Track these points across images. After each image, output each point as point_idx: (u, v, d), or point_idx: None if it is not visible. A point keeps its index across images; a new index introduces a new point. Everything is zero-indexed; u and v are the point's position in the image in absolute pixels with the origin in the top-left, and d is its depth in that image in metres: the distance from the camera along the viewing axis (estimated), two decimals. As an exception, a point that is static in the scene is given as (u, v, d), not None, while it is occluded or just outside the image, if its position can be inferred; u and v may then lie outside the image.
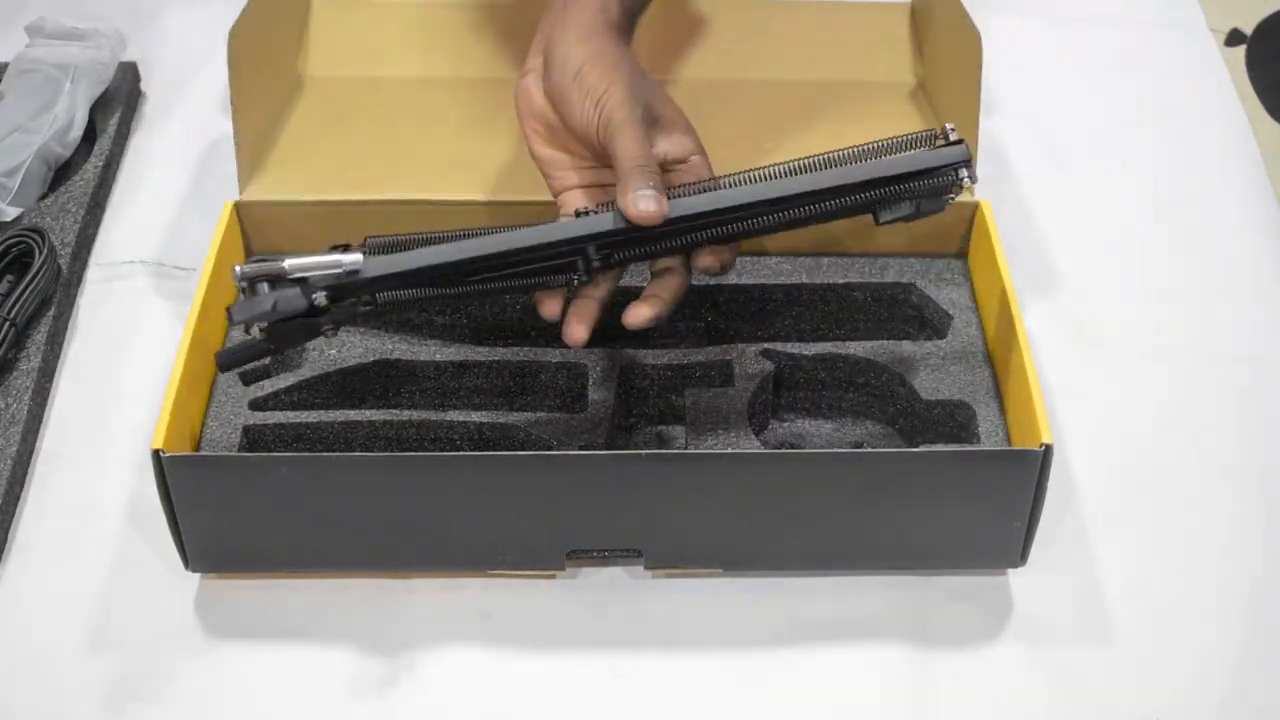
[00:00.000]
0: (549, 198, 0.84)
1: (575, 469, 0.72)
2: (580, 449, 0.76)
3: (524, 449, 0.77)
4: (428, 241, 0.71)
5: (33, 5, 1.07)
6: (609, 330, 0.84)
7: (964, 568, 0.77)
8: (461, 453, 0.77)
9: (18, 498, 0.80)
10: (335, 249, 0.69)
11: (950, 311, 0.83)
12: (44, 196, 0.94)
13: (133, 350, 0.88)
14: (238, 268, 0.68)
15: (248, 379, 0.79)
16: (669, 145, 0.74)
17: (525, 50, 0.95)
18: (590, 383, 0.79)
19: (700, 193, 0.71)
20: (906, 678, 0.73)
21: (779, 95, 0.94)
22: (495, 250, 0.70)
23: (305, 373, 0.81)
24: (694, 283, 0.83)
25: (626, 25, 0.78)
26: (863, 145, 0.71)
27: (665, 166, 0.74)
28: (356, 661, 0.74)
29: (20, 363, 0.84)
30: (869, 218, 0.84)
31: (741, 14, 0.98)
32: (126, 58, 1.03)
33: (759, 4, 0.99)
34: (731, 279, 0.84)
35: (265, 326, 0.68)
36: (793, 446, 0.80)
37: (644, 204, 0.69)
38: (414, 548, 0.75)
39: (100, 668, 0.73)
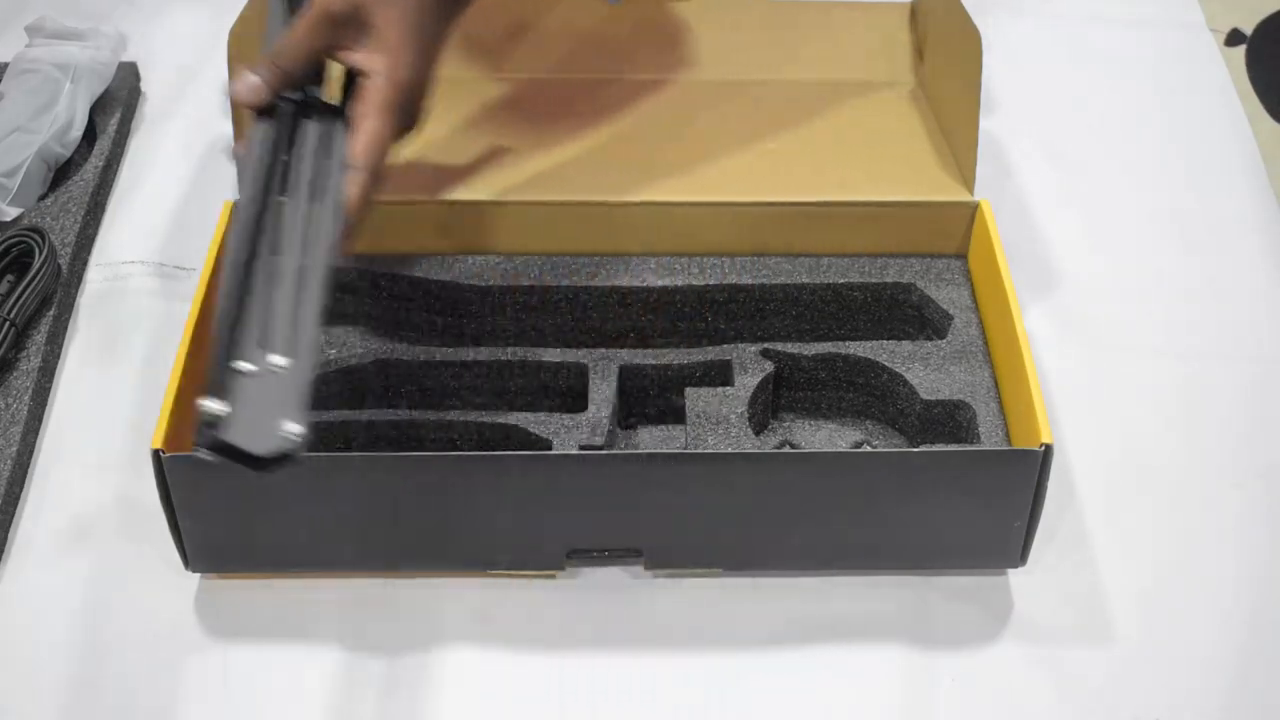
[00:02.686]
0: (548, 197, 0.84)
1: (575, 469, 0.72)
2: (580, 449, 0.76)
3: (524, 449, 0.77)
4: None
5: (33, 5, 1.07)
6: (609, 331, 0.85)
7: (964, 568, 0.77)
8: (461, 453, 0.77)
9: (18, 498, 0.80)
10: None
11: (950, 311, 0.83)
12: (44, 196, 0.94)
13: (133, 350, 0.88)
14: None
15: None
16: (358, 57, 0.73)
17: (524, 51, 0.95)
18: (590, 383, 0.79)
19: None
20: (906, 678, 0.73)
21: (779, 95, 0.94)
22: None
23: (305, 373, 0.80)
24: (695, 283, 0.83)
25: None
26: None
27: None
28: (356, 661, 0.74)
29: (20, 363, 0.84)
30: (869, 218, 0.85)
31: (741, 14, 0.98)
32: (126, 58, 1.03)
33: (759, 4, 0.99)
34: (731, 279, 0.84)
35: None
36: (793, 446, 0.80)
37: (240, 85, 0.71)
38: (414, 548, 0.75)
39: (100, 668, 0.73)
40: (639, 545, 0.75)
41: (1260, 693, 0.73)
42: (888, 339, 0.83)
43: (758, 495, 0.72)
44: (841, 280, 0.84)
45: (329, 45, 0.73)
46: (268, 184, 0.70)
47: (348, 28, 0.73)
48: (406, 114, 0.74)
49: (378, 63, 0.72)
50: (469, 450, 0.78)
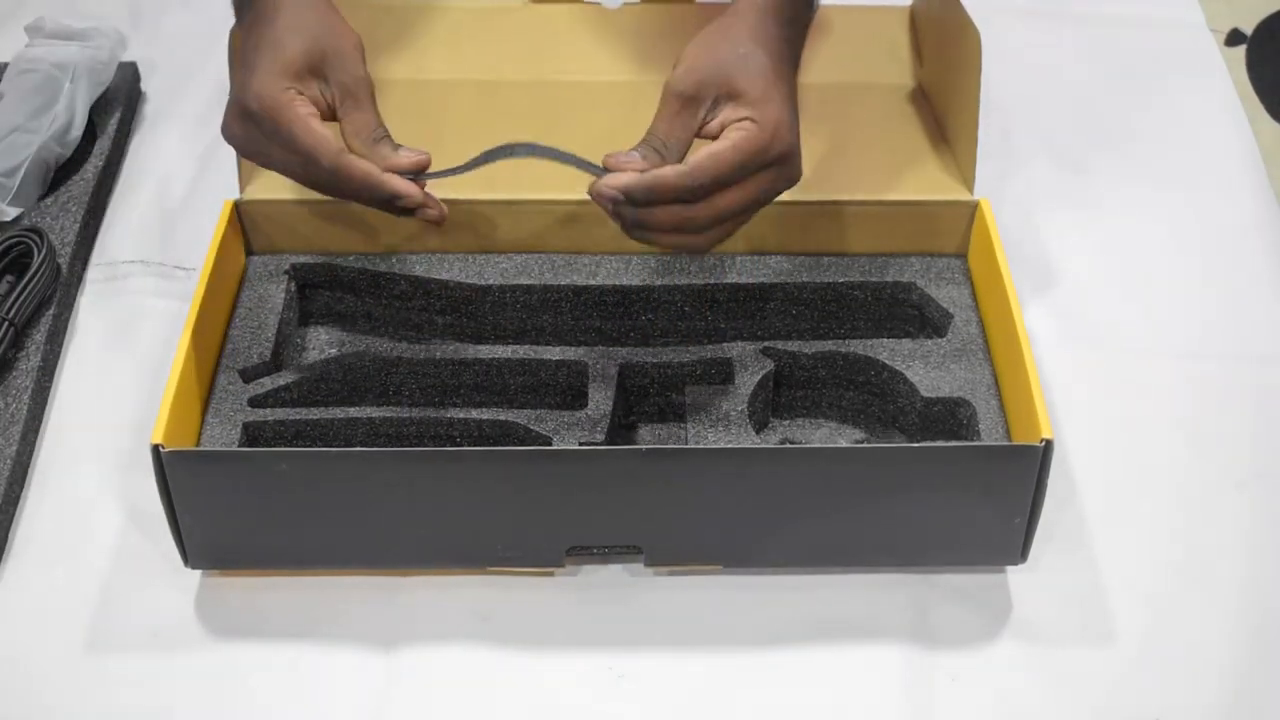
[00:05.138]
0: (547, 196, 0.84)
1: (575, 465, 0.72)
2: (580, 445, 0.76)
3: (524, 445, 0.77)
4: None
5: (33, 5, 1.07)
6: (610, 330, 0.85)
7: (964, 564, 0.77)
8: (461, 448, 0.77)
9: (18, 498, 0.80)
10: None
11: (950, 310, 0.83)
12: (44, 196, 0.94)
13: (133, 350, 0.88)
14: None
15: (248, 376, 0.79)
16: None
17: (524, 52, 0.95)
18: (590, 380, 0.79)
19: None
20: (906, 677, 0.73)
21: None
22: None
23: (305, 370, 0.81)
24: (695, 282, 0.83)
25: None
26: None
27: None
28: (356, 658, 0.74)
29: (20, 363, 0.84)
30: (869, 218, 0.85)
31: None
32: (126, 58, 1.03)
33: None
34: (731, 278, 0.84)
35: None
36: (793, 444, 0.80)
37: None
38: (413, 544, 0.75)
39: (100, 667, 0.73)
40: (639, 542, 0.75)
41: (1260, 693, 0.73)
42: (888, 338, 0.83)
43: (758, 491, 0.72)
44: (842, 279, 0.84)
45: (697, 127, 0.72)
46: None
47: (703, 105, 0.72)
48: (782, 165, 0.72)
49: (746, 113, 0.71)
50: (469, 447, 0.78)
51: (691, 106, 0.72)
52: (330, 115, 0.74)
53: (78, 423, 0.84)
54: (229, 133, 0.74)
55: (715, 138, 0.71)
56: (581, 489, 0.72)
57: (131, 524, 0.79)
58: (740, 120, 0.71)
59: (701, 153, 0.70)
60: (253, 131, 0.73)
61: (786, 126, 0.72)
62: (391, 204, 0.72)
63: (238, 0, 0.79)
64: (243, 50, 0.75)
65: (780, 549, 0.75)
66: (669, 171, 0.69)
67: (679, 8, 0.98)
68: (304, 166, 0.72)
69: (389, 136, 0.73)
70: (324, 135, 0.71)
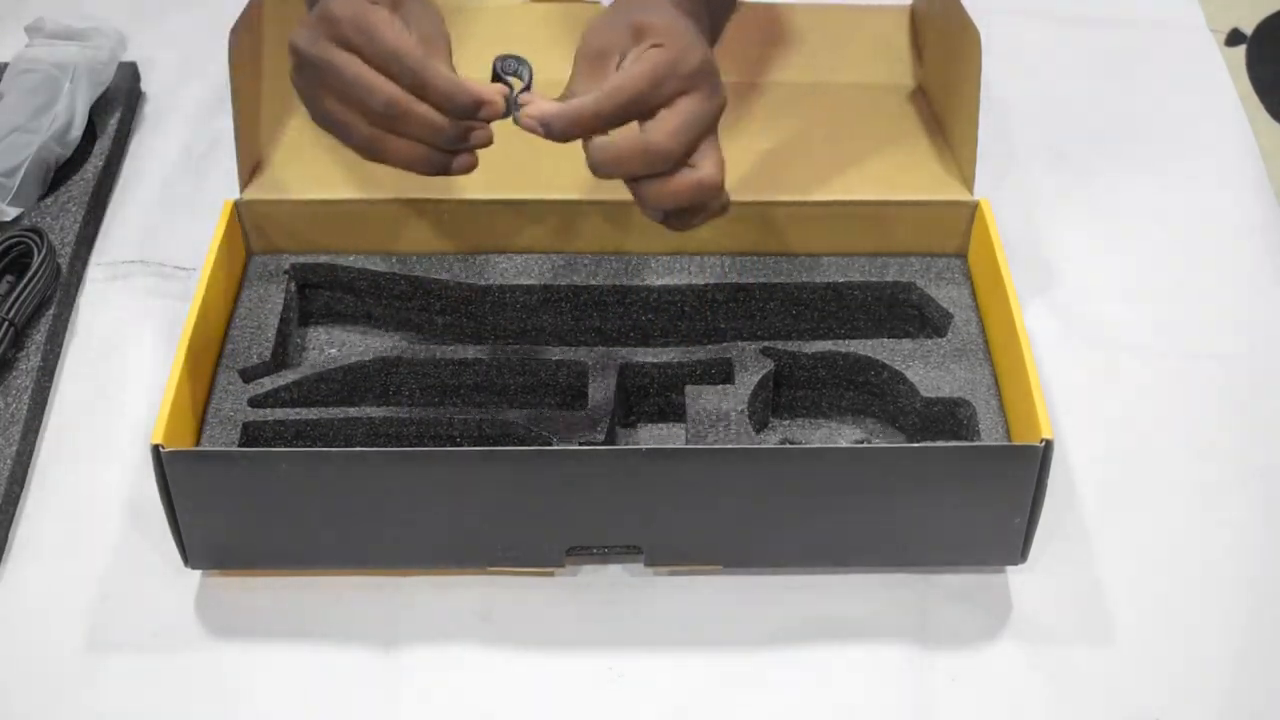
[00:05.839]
0: (547, 196, 0.84)
1: (575, 465, 0.72)
2: (579, 445, 0.76)
3: (524, 445, 0.77)
4: None
5: (33, 5, 1.07)
6: (609, 330, 0.85)
7: (964, 564, 0.77)
8: (461, 448, 0.77)
9: (18, 498, 0.80)
10: None
11: (950, 310, 0.83)
12: (44, 196, 0.94)
13: (133, 350, 0.88)
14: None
15: (248, 376, 0.79)
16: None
17: (523, 51, 0.95)
18: (590, 380, 0.79)
19: None
20: (906, 677, 0.73)
21: (779, 97, 0.94)
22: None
23: (305, 370, 0.81)
24: (695, 282, 0.83)
25: None
26: None
27: None
28: (356, 658, 0.74)
29: (20, 363, 0.84)
30: (869, 218, 0.85)
31: (740, 17, 0.98)
32: (126, 58, 1.03)
33: (758, 7, 0.99)
34: (731, 278, 0.84)
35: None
36: (793, 444, 0.80)
37: None
38: (413, 544, 0.75)
39: (100, 667, 0.73)
40: (639, 542, 0.75)
41: (1260, 692, 0.73)
42: (888, 338, 0.83)
43: (758, 491, 0.72)
44: (842, 279, 0.84)
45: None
46: None
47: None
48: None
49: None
50: (469, 447, 0.78)
51: (601, 60, 0.71)
52: None
53: (78, 423, 0.84)
54: (296, 38, 0.70)
55: None
56: (581, 489, 0.72)
57: (131, 524, 0.79)
58: (647, 50, 0.70)
59: (613, 77, 0.69)
60: (326, 34, 0.68)
61: (696, 44, 0.70)
62: (470, 112, 0.68)
63: None
64: None
65: (780, 549, 0.75)
66: (586, 98, 0.68)
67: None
68: (383, 67, 0.67)
69: None
70: (410, 39, 0.68)
